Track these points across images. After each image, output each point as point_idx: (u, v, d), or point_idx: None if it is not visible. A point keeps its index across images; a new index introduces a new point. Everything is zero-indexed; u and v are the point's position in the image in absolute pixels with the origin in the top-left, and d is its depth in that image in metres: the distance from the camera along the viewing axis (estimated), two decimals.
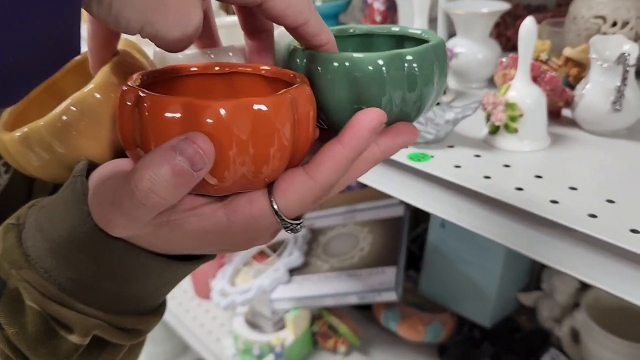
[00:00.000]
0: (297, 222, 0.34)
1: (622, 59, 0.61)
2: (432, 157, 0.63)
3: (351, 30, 0.43)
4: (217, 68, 0.38)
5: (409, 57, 0.34)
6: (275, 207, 0.32)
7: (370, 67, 0.34)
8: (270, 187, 0.33)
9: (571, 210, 0.51)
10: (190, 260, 0.38)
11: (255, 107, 0.29)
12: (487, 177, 0.58)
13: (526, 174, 0.58)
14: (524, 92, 0.62)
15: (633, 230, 0.48)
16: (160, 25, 0.30)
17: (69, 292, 0.35)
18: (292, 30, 0.35)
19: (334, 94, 0.35)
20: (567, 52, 0.71)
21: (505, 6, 0.79)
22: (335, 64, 0.35)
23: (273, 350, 1.21)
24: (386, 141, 0.35)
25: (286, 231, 0.34)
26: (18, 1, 0.21)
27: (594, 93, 0.65)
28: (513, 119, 0.62)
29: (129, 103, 0.30)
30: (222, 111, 0.29)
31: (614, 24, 0.81)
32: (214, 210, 0.32)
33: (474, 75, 0.83)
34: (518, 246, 0.54)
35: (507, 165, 0.61)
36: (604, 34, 0.81)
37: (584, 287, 1.14)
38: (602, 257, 0.48)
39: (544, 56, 0.71)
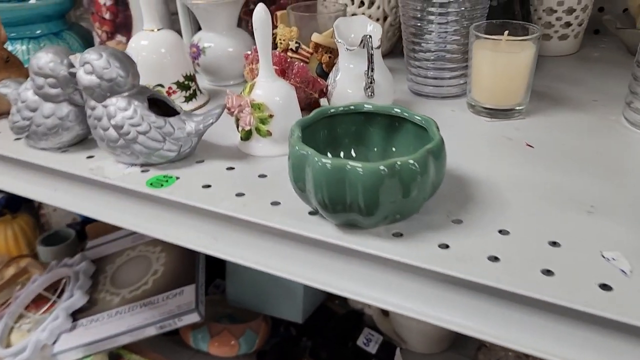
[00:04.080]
0: None
1: (365, 41, 0.56)
2: (178, 178, 0.53)
3: (352, 107, 0.49)
4: None
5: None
6: None
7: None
8: None
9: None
10: None
11: None
12: (241, 195, 0.49)
13: (282, 184, 0.51)
14: (271, 89, 0.54)
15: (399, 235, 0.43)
16: None
17: None
18: None
19: None
20: (315, 37, 0.66)
21: None
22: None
23: None
24: None
25: None
26: None
27: (345, 80, 0.60)
28: (263, 121, 0.54)
29: None
30: None
31: (362, 4, 0.78)
32: None
33: (227, 71, 0.74)
34: (299, 276, 0.47)
35: (263, 176, 0.53)
36: (354, 14, 0.77)
37: None
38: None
39: (293, 45, 0.64)
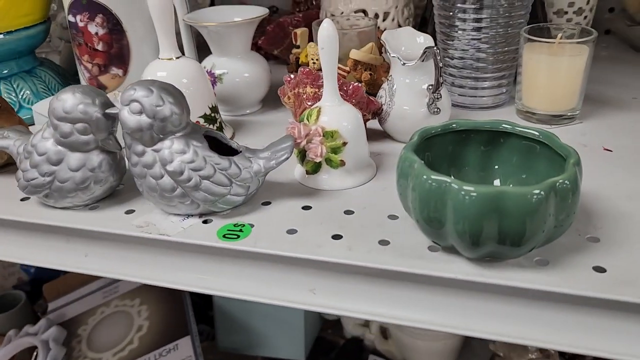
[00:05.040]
0: None
1: (429, 54, 0.52)
2: (252, 225, 0.45)
3: (454, 126, 0.45)
4: None
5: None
6: None
7: None
8: None
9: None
10: None
11: None
12: (338, 237, 0.43)
13: (377, 219, 0.45)
14: (340, 114, 0.48)
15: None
16: None
17: None
18: None
19: None
20: (354, 54, 0.60)
21: (264, 11, 0.65)
22: None
23: None
24: None
25: None
26: None
27: (403, 97, 0.55)
28: (336, 150, 0.48)
29: None
30: None
31: (376, 16, 0.74)
32: None
33: (245, 99, 0.66)
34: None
35: (349, 212, 0.46)
36: (378, 27, 0.73)
37: None
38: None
39: None
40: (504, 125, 0.44)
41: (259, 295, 0.44)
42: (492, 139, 0.45)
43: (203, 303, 1.14)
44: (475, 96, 0.65)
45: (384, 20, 0.74)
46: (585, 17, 0.78)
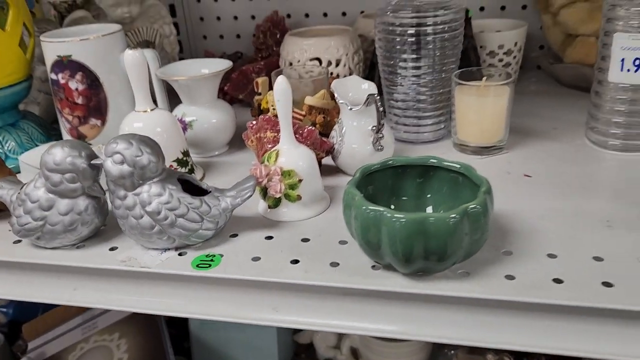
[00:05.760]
0: None
1: (371, 99, 0.60)
2: (222, 255, 0.52)
3: (390, 162, 0.53)
4: None
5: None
6: None
7: None
8: None
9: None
10: None
11: None
12: (296, 261, 0.50)
13: (329, 244, 0.52)
14: (296, 155, 0.56)
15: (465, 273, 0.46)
16: None
17: None
18: None
19: None
20: (308, 100, 0.69)
21: (228, 64, 0.73)
22: None
23: None
24: None
25: None
26: None
27: (351, 137, 0.63)
28: (293, 186, 0.56)
29: None
30: None
31: (329, 64, 0.83)
32: None
33: (214, 143, 0.74)
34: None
35: (306, 239, 0.54)
36: (331, 73, 0.81)
37: None
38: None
39: None
40: (431, 160, 0.52)
41: (229, 315, 0.50)
42: (425, 172, 0.53)
43: (180, 334, 1.19)
44: (418, 132, 0.74)
45: (336, 66, 0.83)
46: (515, 57, 0.89)
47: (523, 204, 0.57)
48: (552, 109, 0.81)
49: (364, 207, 0.45)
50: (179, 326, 1.18)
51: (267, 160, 0.57)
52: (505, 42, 0.87)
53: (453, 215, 0.43)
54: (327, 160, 0.67)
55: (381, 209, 0.44)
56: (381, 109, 0.60)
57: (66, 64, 0.70)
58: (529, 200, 0.57)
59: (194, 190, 0.54)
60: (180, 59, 1.14)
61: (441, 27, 0.67)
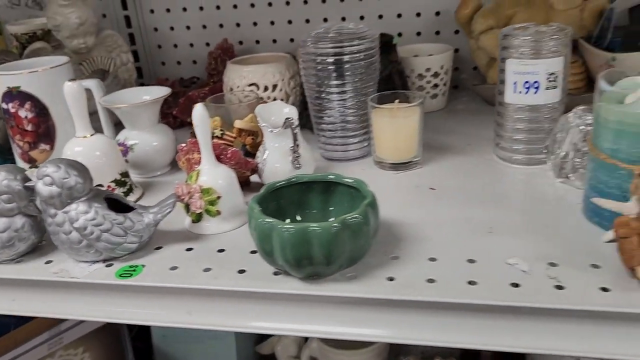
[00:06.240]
0: None
1: (287, 123, 0.67)
2: (144, 266, 0.58)
3: (294, 179, 0.59)
4: None
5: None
6: None
7: None
8: None
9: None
10: None
11: None
12: (208, 269, 0.56)
13: (241, 254, 0.58)
14: (215, 174, 0.62)
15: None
16: None
17: None
18: None
19: None
20: (238, 124, 0.75)
21: (167, 91, 0.79)
22: None
23: None
24: None
25: None
26: None
27: (273, 157, 0.69)
28: (212, 202, 0.62)
29: None
30: None
31: (266, 89, 0.89)
32: None
33: (155, 164, 0.80)
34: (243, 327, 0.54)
35: (221, 250, 0.60)
36: (261, 98, 0.88)
37: None
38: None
39: (218, 133, 0.73)
40: (330, 176, 0.59)
41: (148, 320, 0.56)
42: (327, 187, 0.60)
43: (144, 348, 1.23)
44: (345, 150, 0.80)
45: (272, 91, 0.90)
46: (442, 79, 0.96)
47: (421, 214, 0.63)
48: (473, 127, 0.88)
49: (260, 220, 0.51)
50: (145, 340, 1.23)
51: (189, 180, 0.63)
52: (432, 65, 0.94)
53: (334, 225, 0.49)
54: (257, 177, 0.73)
55: (273, 221, 0.50)
56: (296, 131, 0.66)
57: (15, 94, 0.76)
58: (428, 210, 0.64)
59: (123, 208, 0.60)
60: (141, 84, 1.21)
61: (358, 55, 0.74)
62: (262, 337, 1.30)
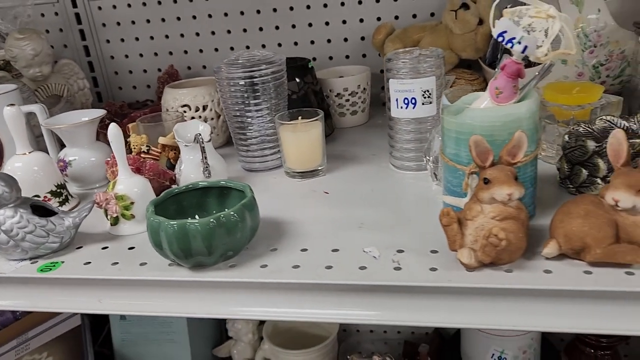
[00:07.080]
0: None
1: (197, 138, 0.77)
2: (63, 262, 0.67)
3: (190, 186, 0.69)
4: None
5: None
6: None
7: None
8: None
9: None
10: None
11: None
12: (115, 263, 0.66)
13: (147, 251, 0.68)
14: (129, 183, 0.72)
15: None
16: None
17: None
18: None
19: None
20: (161, 140, 0.85)
21: (102, 112, 0.89)
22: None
23: None
24: None
25: None
26: None
27: (188, 168, 0.79)
28: (127, 207, 0.71)
29: None
30: None
31: (197, 109, 1.00)
32: None
33: (92, 177, 0.90)
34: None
35: (132, 248, 0.69)
36: (192, 118, 0.98)
37: (262, 321, 1.32)
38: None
39: (144, 148, 0.83)
40: (221, 182, 0.68)
41: (66, 307, 0.66)
42: (223, 192, 0.69)
43: (109, 354, 1.31)
44: (263, 162, 0.90)
45: (203, 111, 1.00)
46: (360, 97, 1.06)
47: (309, 214, 0.73)
48: (384, 139, 0.98)
49: (151, 218, 0.61)
50: (106, 345, 1.32)
51: (108, 188, 0.73)
52: (349, 85, 1.04)
53: (211, 221, 0.59)
54: None
55: (160, 218, 0.60)
56: (203, 145, 0.77)
57: None
58: (316, 210, 0.73)
59: (50, 214, 0.70)
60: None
61: (266, 77, 0.85)
62: (219, 341, 1.38)
